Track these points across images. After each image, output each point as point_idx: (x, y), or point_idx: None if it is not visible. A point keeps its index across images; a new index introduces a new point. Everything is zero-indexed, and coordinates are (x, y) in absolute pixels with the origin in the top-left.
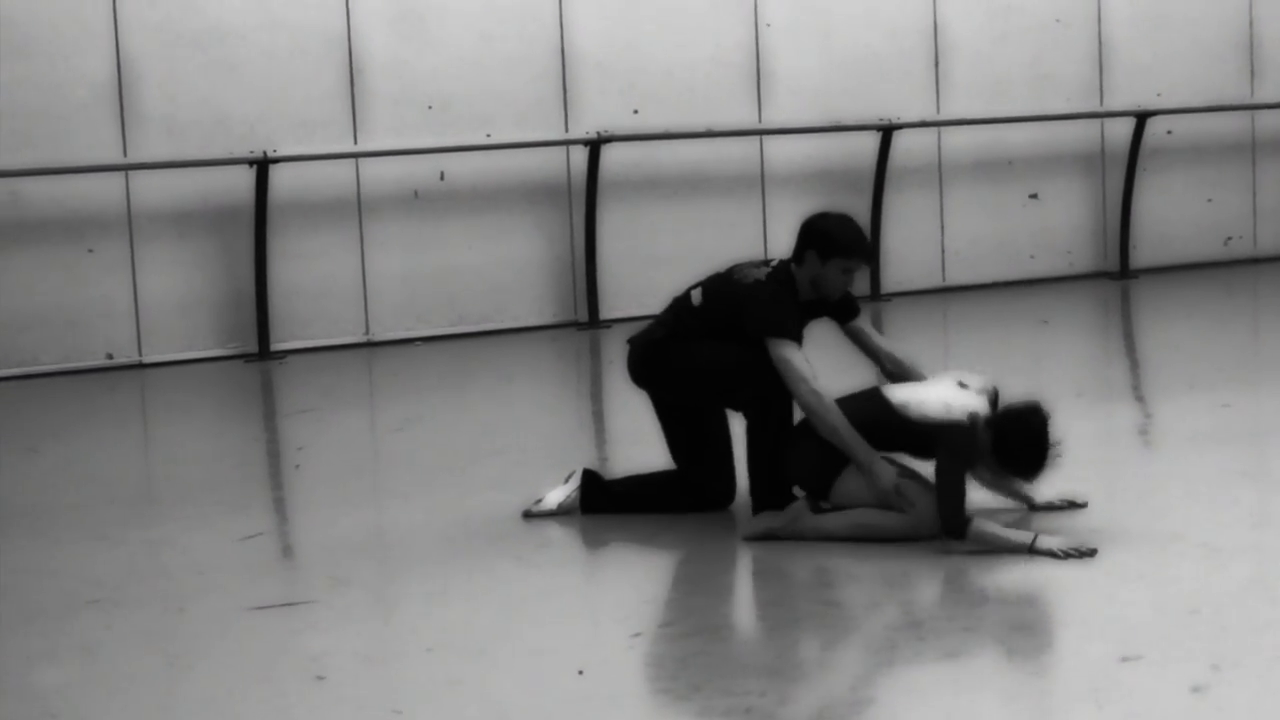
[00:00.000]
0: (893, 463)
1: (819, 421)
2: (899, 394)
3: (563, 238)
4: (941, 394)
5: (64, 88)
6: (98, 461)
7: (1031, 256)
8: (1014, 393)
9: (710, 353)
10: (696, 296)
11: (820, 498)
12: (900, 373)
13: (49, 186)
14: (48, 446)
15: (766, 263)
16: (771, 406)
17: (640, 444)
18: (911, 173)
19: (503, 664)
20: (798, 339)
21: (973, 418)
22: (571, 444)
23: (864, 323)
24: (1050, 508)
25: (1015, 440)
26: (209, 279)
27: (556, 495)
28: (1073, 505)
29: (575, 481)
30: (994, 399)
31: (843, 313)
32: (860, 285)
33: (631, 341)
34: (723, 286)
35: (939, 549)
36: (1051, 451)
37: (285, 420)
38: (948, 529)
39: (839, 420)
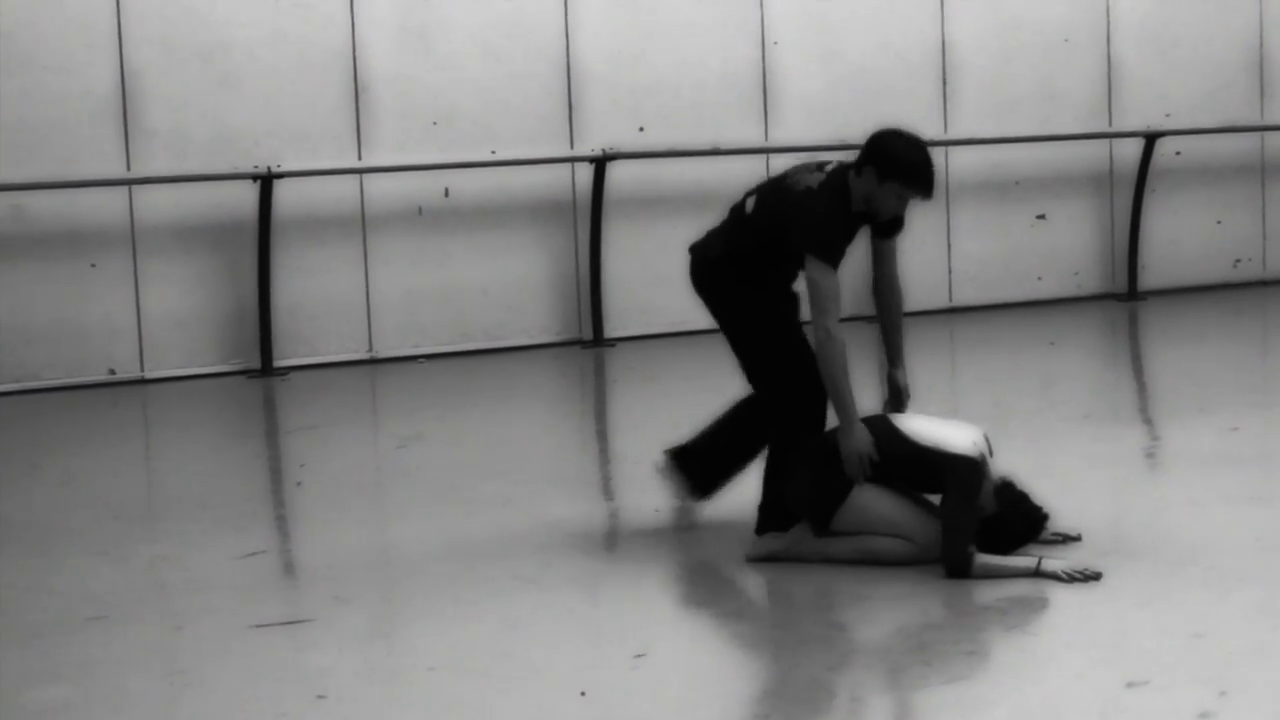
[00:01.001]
0: (915, 498)
1: (822, 358)
2: (907, 422)
3: (567, 255)
4: (952, 428)
5: (67, 101)
6: (99, 478)
7: (1039, 278)
8: (1022, 415)
9: (771, 339)
10: (750, 204)
11: (821, 528)
12: (888, 303)
13: (52, 201)
14: (49, 462)
15: (822, 166)
16: (801, 429)
17: (644, 463)
18: None
19: (505, 684)
20: (836, 262)
21: (983, 455)
22: (575, 463)
23: (896, 244)
24: (1044, 543)
25: (1014, 527)
26: (212, 294)
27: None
28: (1068, 539)
29: (677, 479)
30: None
31: (886, 228)
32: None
33: (691, 250)
34: (774, 194)
35: (943, 574)
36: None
37: (287, 437)
38: (953, 569)
39: (840, 366)
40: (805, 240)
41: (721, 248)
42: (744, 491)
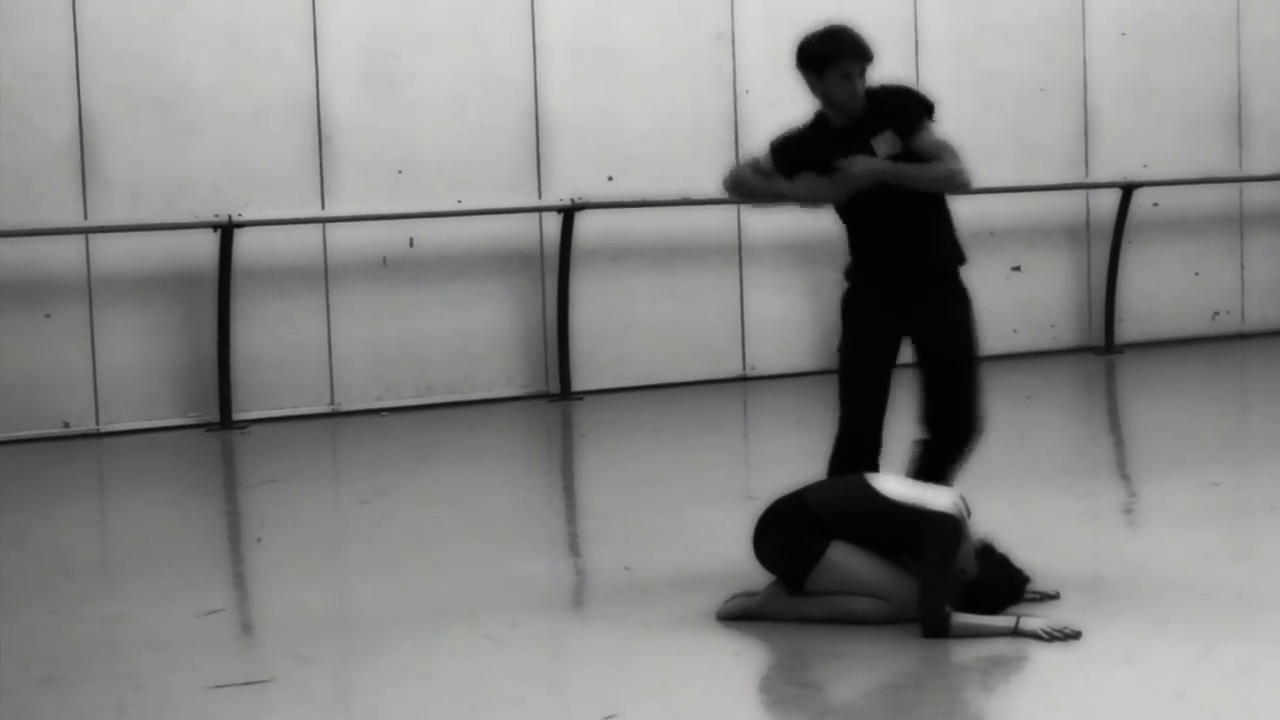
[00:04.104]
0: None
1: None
2: (884, 482)
3: (535, 307)
4: (929, 489)
5: (23, 148)
6: (52, 534)
7: (1014, 330)
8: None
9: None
10: None
11: (795, 587)
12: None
13: (6, 249)
14: (0, 518)
15: None
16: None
17: (612, 519)
18: None
19: None
20: (772, 148)
21: (962, 514)
22: (541, 519)
23: (930, 141)
24: (1022, 601)
25: (996, 590)
26: (170, 346)
27: None
28: (1046, 597)
29: None
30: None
31: (903, 129)
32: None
33: None
34: None
35: (920, 633)
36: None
37: (247, 492)
38: (930, 629)
39: (745, 188)
40: None
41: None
42: (713, 549)
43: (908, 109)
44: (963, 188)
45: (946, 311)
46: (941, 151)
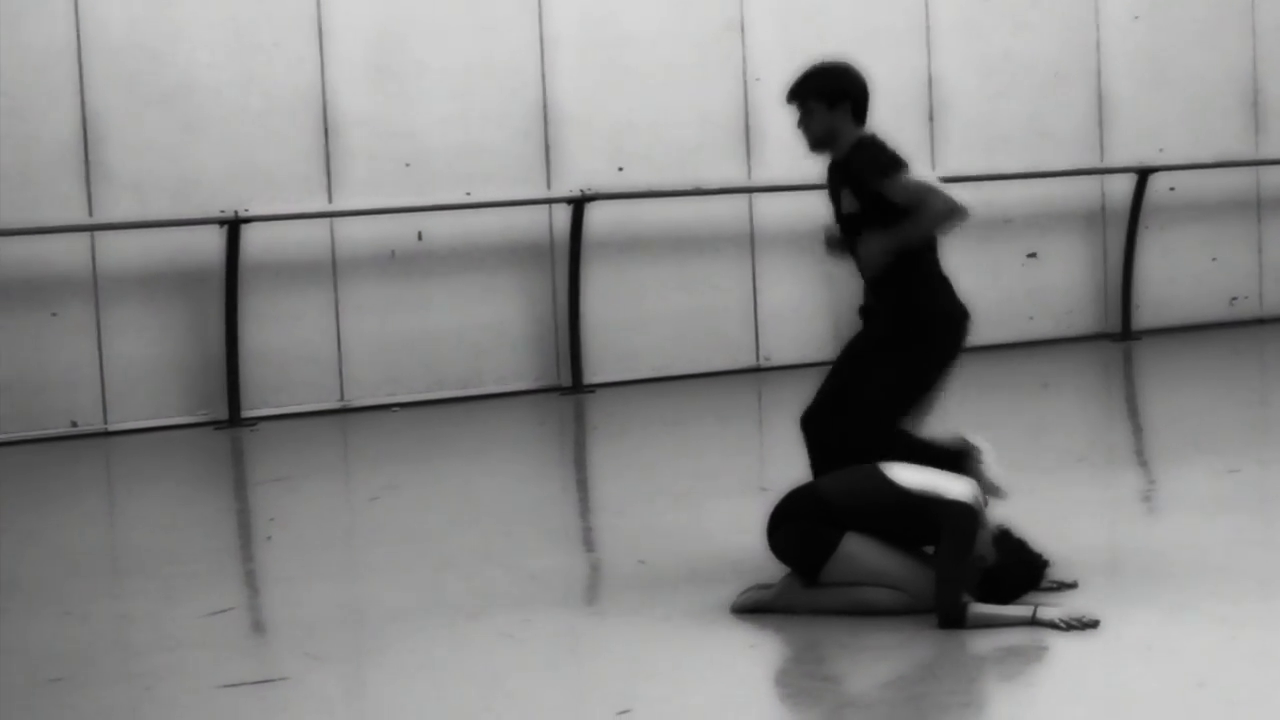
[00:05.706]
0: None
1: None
2: (899, 472)
3: (545, 299)
4: (944, 478)
5: (27, 146)
6: (61, 533)
7: (1030, 318)
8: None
9: None
10: None
11: (810, 579)
12: None
13: (10, 248)
14: (8, 518)
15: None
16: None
17: (626, 513)
18: None
19: None
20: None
21: (977, 500)
22: (554, 514)
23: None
24: (1040, 590)
25: (1015, 575)
26: (177, 343)
27: None
28: (1064, 586)
29: None
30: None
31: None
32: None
33: None
34: None
35: (937, 624)
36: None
37: (256, 490)
38: (946, 619)
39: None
40: None
41: None
42: (728, 542)
43: (860, 174)
44: (958, 219)
45: None
46: (922, 195)
